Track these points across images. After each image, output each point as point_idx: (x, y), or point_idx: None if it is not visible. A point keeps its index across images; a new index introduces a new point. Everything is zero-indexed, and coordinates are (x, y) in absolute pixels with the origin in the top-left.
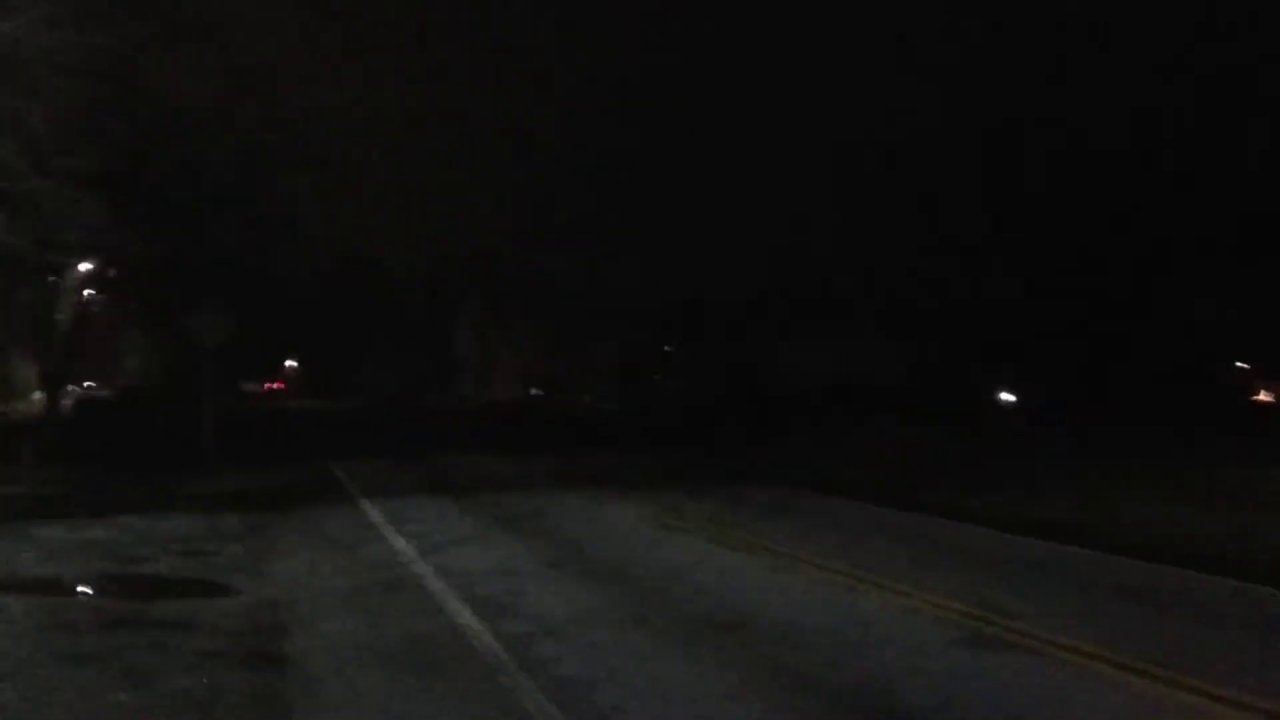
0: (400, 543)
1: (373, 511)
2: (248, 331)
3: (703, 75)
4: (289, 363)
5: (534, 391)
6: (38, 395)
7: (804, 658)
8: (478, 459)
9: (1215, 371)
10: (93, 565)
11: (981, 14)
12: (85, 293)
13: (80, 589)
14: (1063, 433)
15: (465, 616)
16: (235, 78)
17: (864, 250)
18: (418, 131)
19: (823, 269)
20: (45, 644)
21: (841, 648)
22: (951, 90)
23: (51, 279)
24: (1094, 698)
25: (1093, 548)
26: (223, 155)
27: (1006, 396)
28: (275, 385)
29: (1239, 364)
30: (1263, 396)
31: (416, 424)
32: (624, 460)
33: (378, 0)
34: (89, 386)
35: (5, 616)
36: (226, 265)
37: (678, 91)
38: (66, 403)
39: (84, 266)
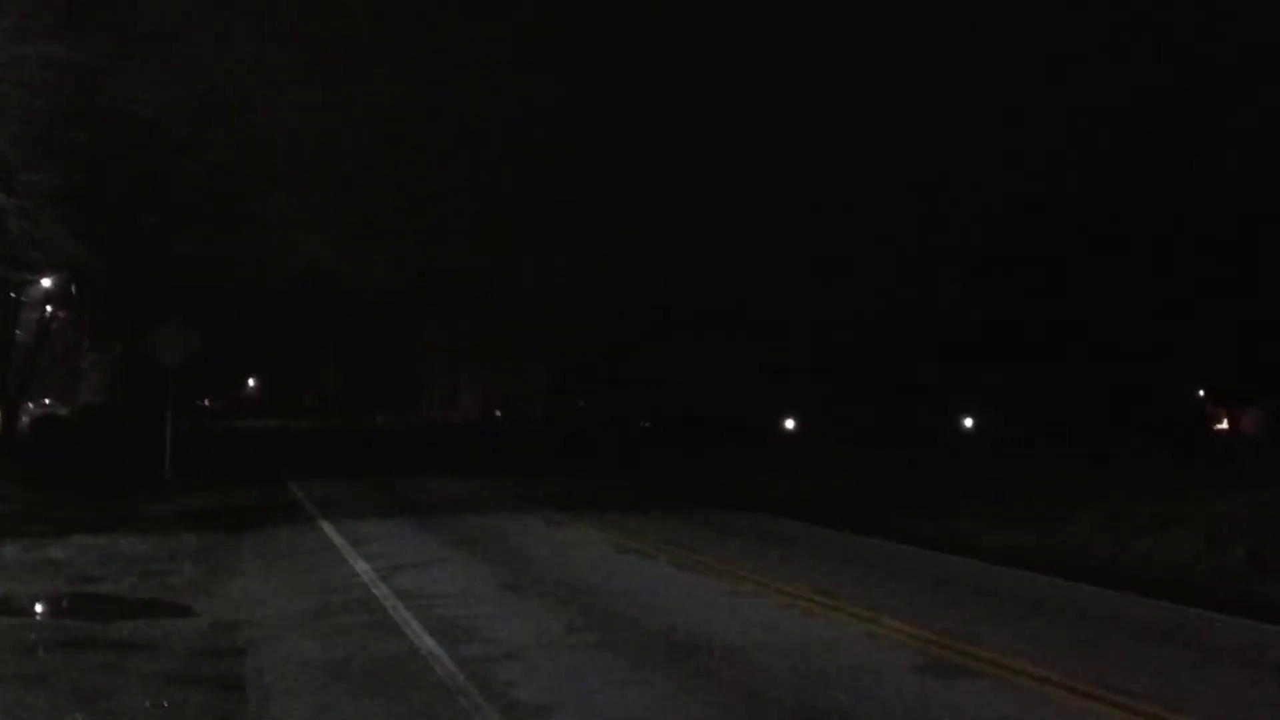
0: (360, 564)
1: (332, 532)
2: (208, 350)
3: (647, 104)
4: (250, 381)
5: (497, 413)
6: None
7: (765, 682)
8: (438, 480)
9: (1175, 399)
10: (50, 585)
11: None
12: (46, 309)
13: (37, 609)
14: (1019, 458)
15: (425, 639)
16: (200, 95)
17: (816, 274)
18: (377, 152)
19: (767, 289)
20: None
21: (802, 673)
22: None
23: (11, 295)
24: None
25: (1047, 572)
26: (186, 172)
27: (968, 422)
28: (204, 401)
29: (1200, 392)
30: (1223, 425)
31: (377, 445)
32: (580, 482)
33: (338, 25)
34: (48, 405)
35: None
36: (189, 283)
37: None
38: (25, 421)
39: (45, 283)
